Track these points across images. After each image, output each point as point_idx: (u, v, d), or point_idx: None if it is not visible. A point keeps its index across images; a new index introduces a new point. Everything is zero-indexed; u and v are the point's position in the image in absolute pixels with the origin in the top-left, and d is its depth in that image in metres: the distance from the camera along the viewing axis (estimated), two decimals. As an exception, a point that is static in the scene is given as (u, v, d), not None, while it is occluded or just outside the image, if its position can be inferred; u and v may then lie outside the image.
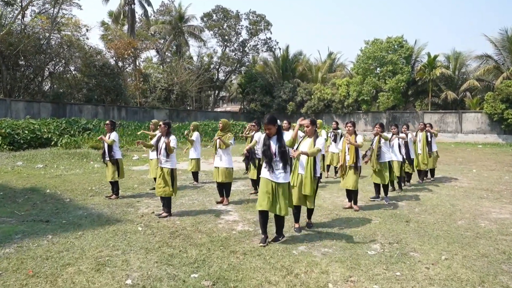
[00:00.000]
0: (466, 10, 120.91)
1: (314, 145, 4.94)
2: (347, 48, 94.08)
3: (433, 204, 6.72)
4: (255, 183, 7.44)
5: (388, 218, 5.70)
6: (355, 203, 6.32)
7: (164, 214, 5.70)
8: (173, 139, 5.81)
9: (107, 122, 7.18)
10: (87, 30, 27.21)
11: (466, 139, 27.51)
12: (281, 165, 4.36)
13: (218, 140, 6.58)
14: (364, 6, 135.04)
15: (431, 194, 7.59)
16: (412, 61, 31.62)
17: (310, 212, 5.24)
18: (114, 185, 7.08)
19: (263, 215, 4.50)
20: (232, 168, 6.76)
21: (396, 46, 30.09)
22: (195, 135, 8.86)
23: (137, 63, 33.74)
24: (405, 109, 32.64)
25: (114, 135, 7.12)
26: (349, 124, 6.19)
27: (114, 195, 7.09)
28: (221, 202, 6.70)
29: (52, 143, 17.56)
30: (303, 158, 4.94)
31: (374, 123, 33.68)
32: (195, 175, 8.92)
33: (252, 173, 7.42)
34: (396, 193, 7.72)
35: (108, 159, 7.04)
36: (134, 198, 6.98)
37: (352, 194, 6.29)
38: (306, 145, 5.05)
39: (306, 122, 5.03)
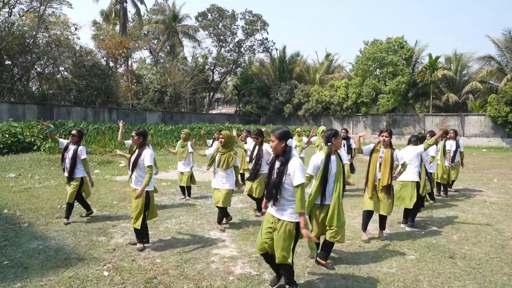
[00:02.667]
0: (467, 11, 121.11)
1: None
2: (345, 49, 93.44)
3: (471, 228, 5.61)
4: (258, 200, 6.33)
5: (425, 251, 4.59)
6: (383, 228, 5.16)
7: (139, 246, 4.54)
8: (148, 155, 4.56)
9: (73, 132, 5.76)
10: (75, 28, 25.96)
11: (468, 142, 26.64)
12: (287, 198, 3.27)
13: (218, 156, 5.38)
14: (362, 6, 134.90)
15: (463, 214, 6.48)
16: (413, 63, 30.76)
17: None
18: (81, 203, 5.93)
19: (266, 256, 3.50)
20: (233, 189, 5.54)
21: (396, 47, 29.20)
22: (189, 146, 7.74)
23: (130, 64, 32.59)
24: (405, 111, 31.78)
25: (84, 150, 5.80)
26: (385, 134, 4.90)
27: (85, 212, 5.96)
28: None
29: (35, 147, 16.33)
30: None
31: (374, 126, 33.16)
32: (186, 189, 7.78)
33: (250, 188, 6.22)
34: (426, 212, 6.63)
35: (69, 176, 5.68)
36: (111, 221, 5.78)
37: (380, 220, 5.13)
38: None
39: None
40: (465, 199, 7.88)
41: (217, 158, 5.37)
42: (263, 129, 6.48)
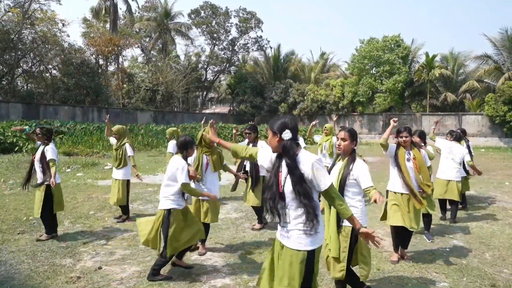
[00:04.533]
0: (463, 9, 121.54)
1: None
2: (340, 48, 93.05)
3: (504, 244, 4.82)
4: (258, 211, 5.49)
5: (458, 276, 3.80)
6: (405, 247, 4.35)
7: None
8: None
9: (37, 130, 4.83)
10: (63, 25, 24.97)
11: (466, 142, 26.16)
12: (296, 214, 2.36)
13: (206, 159, 4.37)
14: (356, 4, 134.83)
15: (487, 226, 5.73)
16: (409, 61, 30.28)
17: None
18: (44, 222, 4.89)
19: None
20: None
21: (392, 46, 28.67)
22: (171, 146, 6.98)
23: (120, 62, 31.69)
24: (402, 111, 31.27)
25: (50, 150, 4.83)
26: (403, 134, 4.18)
27: (44, 235, 4.84)
28: (196, 249, 4.49)
29: (16, 148, 15.43)
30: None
31: (370, 126, 32.66)
32: None
33: (249, 198, 5.36)
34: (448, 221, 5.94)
35: (39, 183, 4.77)
36: (82, 237, 4.93)
37: (405, 238, 4.27)
38: (337, 170, 3.25)
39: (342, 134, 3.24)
40: (483, 206, 7.19)
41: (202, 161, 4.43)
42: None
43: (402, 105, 31.69)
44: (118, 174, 5.85)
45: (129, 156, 5.87)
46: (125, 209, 5.87)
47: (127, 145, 5.90)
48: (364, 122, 31.16)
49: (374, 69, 29.51)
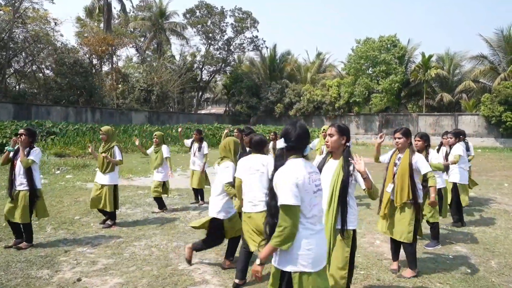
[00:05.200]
0: (460, 8, 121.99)
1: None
2: (336, 48, 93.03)
3: (509, 250, 4.58)
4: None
5: (463, 286, 3.55)
6: (396, 259, 4.03)
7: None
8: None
9: (20, 131, 4.47)
10: (55, 24, 24.60)
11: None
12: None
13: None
14: (352, 4, 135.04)
15: (490, 230, 5.50)
16: (405, 61, 30.19)
17: None
18: (26, 230, 4.54)
19: None
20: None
21: (389, 46, 28.56)
22: (165, 150, 6.70)
23: (114, 62, 31.32)
24: (398, 111, 31.18)
25: (35, 153, 4.52)
26: (397, 134, 3.91)
27: (24, 243, 4.52)
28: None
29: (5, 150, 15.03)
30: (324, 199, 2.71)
31: (366, 126, 32.54)
32: (159, 201, 6.63)
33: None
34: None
35: (18, 189, 4.42)
36: (64, 244, 4.61)
37: (403, 249, 3.91)
38: (330, 170, 3.00)
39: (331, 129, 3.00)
40: (484, 208, 6.97)
41: None
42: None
43: (399, 106, 31.61)
44: (104, 179, 5.50)
45: (118, 160, 5.61)
46: (112, 214, 5.59)
47: (116, 148, 5.60)
48: (360, 122, 31.01)
49: (370, 69, 29.39)
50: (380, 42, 28.52)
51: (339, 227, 2.89)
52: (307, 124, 32.06)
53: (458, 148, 5.81)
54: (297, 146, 2.23)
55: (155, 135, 6.87)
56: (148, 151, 6.97)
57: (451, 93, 29.18)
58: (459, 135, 6.17)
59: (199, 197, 7.36)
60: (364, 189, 2.89)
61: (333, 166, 2.99)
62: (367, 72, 29.54)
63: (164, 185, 6.67)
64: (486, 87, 28.22)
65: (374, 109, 29.83)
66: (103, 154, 5.50)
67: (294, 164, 2.18)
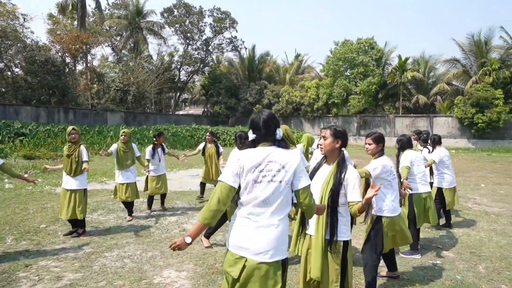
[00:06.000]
0: (434, 13, 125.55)
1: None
2: (314, 50, 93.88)
3: (495, 254, 4.51)
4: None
5: None
6: (390, 269, 3.88)
7: None
8: None
9: None
10: (24, 19, 23.51)
11: (438, 144, 26.72)
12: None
13: None
14: (330, 7, 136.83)
15: (474, 233, 5.47)
16: (382, 64, 30.67)
17: None
18: None
19: None
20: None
21: (366, 48, 28.93)
22: (136, 148, 6.36)
23: (89, 61, 30.30)
24: (376, 112, 31.64)
25: None
26: (366, 140, 3.66)
27: None
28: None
29: (-29, 152, 14.22)
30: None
31: (344, 127, 32.49)
32: (128, 206, 6.22)
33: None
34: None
35: None
36: (25, 257, 4.20)
37: (387, 257, 3.78)
38: (322, 176, 2.80)
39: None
40: (465, 210, 6.99)
41: None
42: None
43: (376, 107, 32.07)
44: (74, 183, 5.14)
45: (84, 161, 5.26)
46: (81, 223, 5.20)
47: (82, 148, 5.21)
48: (339, 123, 31.23)
49: (348, 71, 29.66)
50: (358, 44, 28.83)
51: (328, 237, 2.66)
52: (287, 125, 32.08)
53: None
54: (267, 133, 2.18)
55: (124, 132, 6.29)
56: (112, 149, 6.19)
57: (426, 95, 29.85)
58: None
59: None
60: (349, 203, 2.66)
61: (326, 172, 2.80)
62: (345, 73, 29.81)
63: (133, 189, 6.20)
64: (459, 90, 29.03)
65: (352, 110, 30.13)
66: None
67: (255, 150, 2.18)
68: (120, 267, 4.02)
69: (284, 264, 2.15)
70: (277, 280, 2.07)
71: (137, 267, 4.03)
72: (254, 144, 2.20)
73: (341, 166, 2.72)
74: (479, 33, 27.55)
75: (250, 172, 2.09)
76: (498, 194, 8.79)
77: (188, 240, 2.06)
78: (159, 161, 6.84)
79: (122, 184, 6.06)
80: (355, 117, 30.33)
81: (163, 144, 7.01)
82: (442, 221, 5.87)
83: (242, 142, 4.80)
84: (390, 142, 22.14)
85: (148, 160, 6.71)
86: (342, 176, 2.67)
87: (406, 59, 29.24)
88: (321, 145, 2.87)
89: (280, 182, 2.11)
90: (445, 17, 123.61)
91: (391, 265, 3.78)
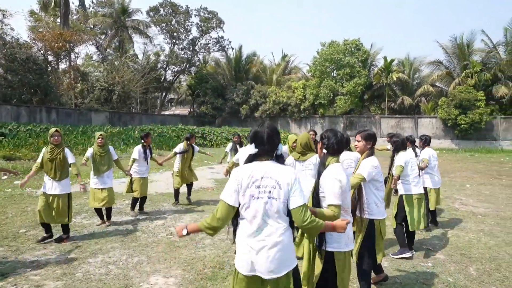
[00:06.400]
0: (419, 15, 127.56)
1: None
2: (300, 51, 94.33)
3: (485, 256, 4.52)
4: None
5: None
6: (376, 271, 3.72)
7: None
8: None
9: None
10: (3, 15, 22.85)
11: (422, 144, 27.15)
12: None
13: None
14: (317, 7, 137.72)
15: (463, 234, 5.49)
16: (368, 65, 30.97)
17: None
18: None
19: None
20: None
21: (353, 49, 29.16)
22: (113, 151, 6.02)
23: (73, 59, 29.66)
24: (362, 113, 31.93)
25: None
26: (356, 137, 3.58)
27: None
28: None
29: None
30: None
31: (331, 127, 32.60)
32: (100, 212, 5.88)
33: None
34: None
35: None
36: (3, 265, 3.97)
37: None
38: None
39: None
40: (452, 211, 7.04)
41: None
42: None
43: (362, 108, 32.36)
44: (58, 188, 4.87)
45: (71, 164, 5.05)
46: (65, 227, 4.99)
47: (67, 151, 5.01)
48: (325, 124, 31.41)
49: (335, 72, 29.82)
50: (344, 45, 29.03)
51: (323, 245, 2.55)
52: (274, 125, 32.02)
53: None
54: (270, 148, 2.17)
55: (101, 135, 5.88)
56: (88, 154, 5.82)
57: (411, 96, 30.27)
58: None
59: None
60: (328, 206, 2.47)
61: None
62: (332, 74, 29.97)
63: (112, 192, 5.88)
64: (443, 91, 29.53)
65: (339, 111, 30.32)
66: None
67: (251, 165, 2.16)
68: (105, 273, 3.86)
69: (294, 273, 2.13)
70: None
71: (122, 273, 3.88)
72: (254, 158, 2.18)
73: (319, 166, 2.62)
74: (462, 36, 28.16)
75: (248, 187, 2.08)
76: (483, 194, 8.91)
77: (184, 232, 2.17)
78: (147, 163, 6.62)
79: (99, 189, 5.71)
80: (342, 118, 30.52)
81: (150, 145, 6.78)
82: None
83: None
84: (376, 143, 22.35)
85: (134, 160, 6.47)
86: (320, 177, 2.57)
87: (392, 60, 29.59)
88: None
89: (276, 199, 2.08)
90: (430, 19, 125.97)
91: (376, 268, 3.71)
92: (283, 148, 6.38)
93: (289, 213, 2.13)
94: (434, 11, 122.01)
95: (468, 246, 4.93)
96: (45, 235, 4.94)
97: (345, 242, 2.58)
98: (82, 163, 5.73)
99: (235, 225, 2.20)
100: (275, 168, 2.12)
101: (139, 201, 6.63)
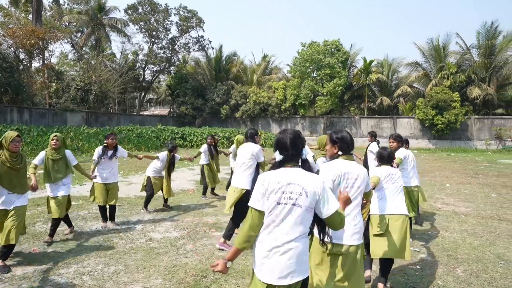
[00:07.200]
0: (398, 17, 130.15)
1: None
2: (281, 51, 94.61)
3: (471, 256, 4.50)
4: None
5: None
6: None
7: None
8: None
9: None
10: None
11: (401, 144, 27.60)
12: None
13: None
14: (297, 9, 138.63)
15: (448, 234, 5.47)
16: (348, 66, 31.27)
17: None
18: None
19: None
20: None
21: (333, 50, 29.37)
22: (70, 156, 5.22)
23: (47, 57, 28.59)
24: (341, 114, 32.22)
25: None
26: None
27: None
28: None
29: None
30: None
31: (311, 128, 33.15)
32: (67, 220, 5.31)
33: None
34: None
35: None
36: None
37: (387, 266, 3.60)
38: None
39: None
40: (435, 211, 7.06)
41: None
42: None
43: (342, 108, 32.66)
44: (18, 200, 4.13)
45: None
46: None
47: (25, 159, 4.25)
48: (306, 124, 31.53)
49: (315, 72, 29.96)
50: (324, 46, 29.19)
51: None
52: (254, 126, 31.93)
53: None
54: (294, 153, 2.19)
55: (55, 136, 5.07)
56: (38, 160, 4.96)
57: (390, 97, 30.75)
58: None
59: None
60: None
61: None
62: (312, 75, 30.10)
63: (68, 200, 5.20)
64: (420, 92, 30.16)
65: (319, 111, 30.48)
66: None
67: (278, 171, 2.17)
68: (79, 286, 3.57)
69: (304, 283, 2.14)
70: None
71: (98, 285, 3.60)
72: (280, 164, 2.19)
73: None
74: (438, 38, 28.87)
75: (273, 193, 2.09)
76: (462, 193, 9.02)
77: (229, 265, 2.14)
78: (109, 166, 5.81)
79: (53, 198, 4.95)
80: (322, 118, 30.70)
81: (118, 146, 5.99)
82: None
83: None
84: (356, 143, 22.56)
85: (94, 162, 5.77)
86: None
87: (371, 61, 30.00)
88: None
89: (301, 206, 2.09)
90: (408, 21, 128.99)
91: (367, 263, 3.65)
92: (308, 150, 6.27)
93: (310, 222, 2.17)
94: (413, 12, 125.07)
95: (454, 247, 4.91)
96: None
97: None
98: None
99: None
100: (303, 176, 2.14)
101: (109, 210, 5.91)
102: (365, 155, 7.81)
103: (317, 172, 2.67)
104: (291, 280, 2.05)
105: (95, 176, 5.71)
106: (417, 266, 4.21)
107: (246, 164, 4.71)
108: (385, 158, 3.77)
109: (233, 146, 7.66)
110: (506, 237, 5.40)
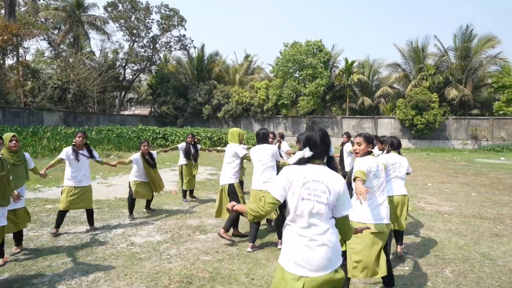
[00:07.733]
0: (379, 18, 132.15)
1: None
2: (263, 51, 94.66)
3: (457, 256, 4.50)
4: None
5: None
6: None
7: None
8: None
9: None
10: None
11: (381, 144, 28.05)
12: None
13: None
14: (279, 8, 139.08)
15: (433, 234, 5.50)
16: (330, 66, 31.53)
17: None
18: None
19: None
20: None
21: (315, 50, 29.53)
22: (29, 159, 4.71)
23: (21, 54, 27.63)
24: (323, 114, 32.45)
25: None
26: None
27: None
28: None
29: None
30: None
31: (294, 128, 33.27)
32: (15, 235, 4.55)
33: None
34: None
35: None
36: None
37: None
38: None
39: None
40: (419, 211, 7.11)
41: None
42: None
43: (324, 108, 32.90)
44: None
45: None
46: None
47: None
48: (288, 124, 31.61)
49: (297, 72, 30.05)
50: (307, 46, 29.32)
51: None
52: (236, 126, 31.76)
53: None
54: (323, 150, 2.25)
55: (14, 136, 4.41)
56: None
57: (371, 97, 31.18)
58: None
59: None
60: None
61: None
62: (295, 75, 30.19)
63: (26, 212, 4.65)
64: (400, 93, 30.70)
65: (301, 111, 30.61)
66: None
67: (304, 167, 2.23)
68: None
69: (342, 267, 2.22)
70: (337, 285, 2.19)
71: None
72: (308, 161, 2.24)
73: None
74: (417, 40, 29.47)
75: (299, 188, 2.15)
76: (444, 192, 9.16)
77: (236, 207, 2.46)
78: (80, 168, 5.35)
79: (10, 210, 4.13)
80: (304, 118, 30.84)
81: (90, 148, 5.56)
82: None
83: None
84: (337, 143, 22.74)
85: (59, 161, 5.34)
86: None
87: (352, 62, 30.33)
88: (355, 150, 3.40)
89: (324, 204, 2.14)
90: (390, 19, 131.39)
91: None
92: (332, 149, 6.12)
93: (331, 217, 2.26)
94: (393, 13, 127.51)
95: (440, 247, 4.93)
96: None
97: None
98: None
99: (280, 221, 2.37)
100: (328, 174, 2.19)
101: (86, 214, 5.57)
102: (341, 154, 7.95)
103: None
104: (327, 270, 2.11)
105: (46, 175, 5.21)
106: (406, 268, 4.18)
107: (268, 164, 4.85)
108: (395, 145, 4.54)
109: (244, 146, 6.27)
110: (489, 236, 5.46)
